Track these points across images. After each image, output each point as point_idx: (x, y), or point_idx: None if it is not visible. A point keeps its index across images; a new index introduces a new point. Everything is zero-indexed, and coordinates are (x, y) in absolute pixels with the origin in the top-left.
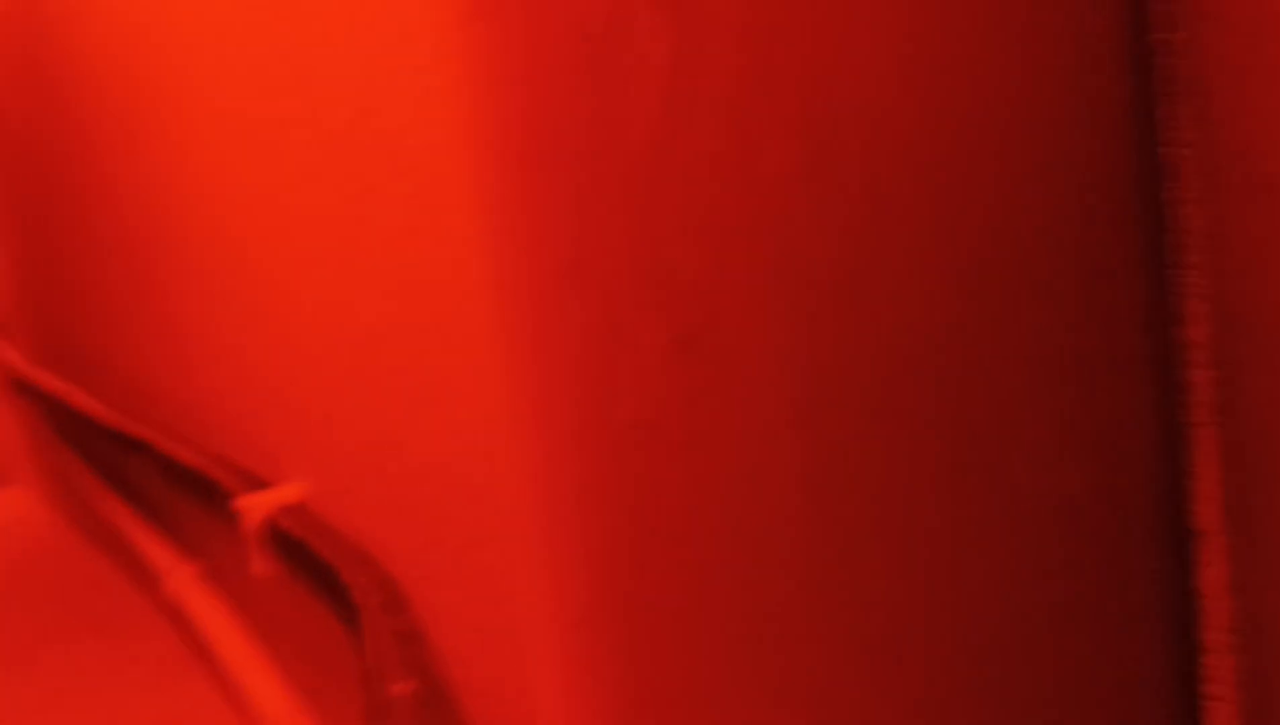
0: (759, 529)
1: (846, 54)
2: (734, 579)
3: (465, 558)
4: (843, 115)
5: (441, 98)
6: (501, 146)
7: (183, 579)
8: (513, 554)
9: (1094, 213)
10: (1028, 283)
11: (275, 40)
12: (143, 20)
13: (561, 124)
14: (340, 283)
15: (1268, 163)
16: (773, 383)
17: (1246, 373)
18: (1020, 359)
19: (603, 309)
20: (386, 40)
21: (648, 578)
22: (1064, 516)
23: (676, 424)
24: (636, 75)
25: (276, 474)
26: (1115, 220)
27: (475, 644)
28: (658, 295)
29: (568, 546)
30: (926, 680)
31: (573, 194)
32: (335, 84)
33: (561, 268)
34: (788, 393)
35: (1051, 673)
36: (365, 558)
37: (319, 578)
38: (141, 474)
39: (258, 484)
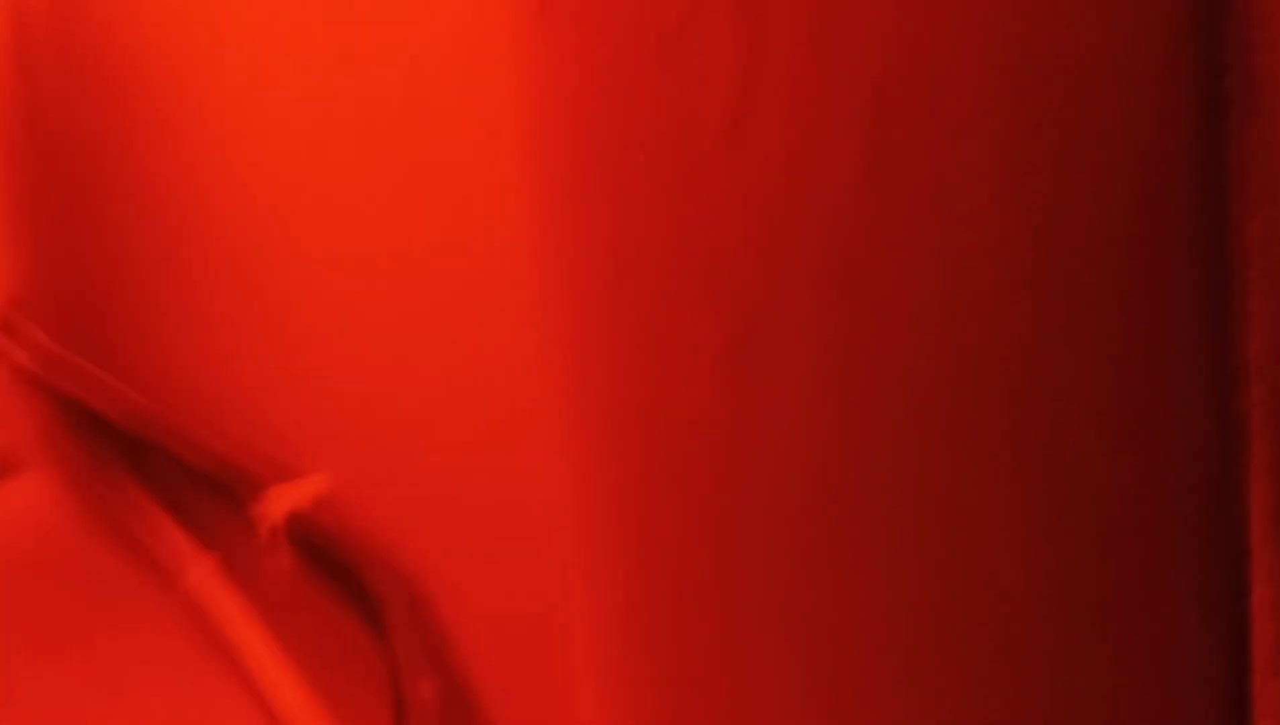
0: (806, 533)
1: (918, 55)
2: (779, 584)
3: (496, 555)
4: (911, 115)
5: (500, 93)
6: (558, 141)
7: (203, 571)
8: (549, 554)
9: (1155, 219)
10: (1087, 288)
11: (324, 34)
12: (187, 11)
13: (626, 120)
14: (377, 274)
15: None
16: (825, 387)
17: None
18: (1076, 370)
19: (654, 309)
20: (443, 33)
21: (689, 582)
22: (1109, 534)
23: (724, 427)
24: (710, 73)
25: (301, 466)
26: (1175, 226)
27: (505, 643)
28: (714, 297)
29: (606, 548)
30: (966, 693)
31: (629, 190)
32: (386, 78)
33: (611, 263)
34: (840, 398)
35: (1095, 694)
36: (390, 554)
37: (341, 573)
38: (159, 462)
39: (281, 475)
